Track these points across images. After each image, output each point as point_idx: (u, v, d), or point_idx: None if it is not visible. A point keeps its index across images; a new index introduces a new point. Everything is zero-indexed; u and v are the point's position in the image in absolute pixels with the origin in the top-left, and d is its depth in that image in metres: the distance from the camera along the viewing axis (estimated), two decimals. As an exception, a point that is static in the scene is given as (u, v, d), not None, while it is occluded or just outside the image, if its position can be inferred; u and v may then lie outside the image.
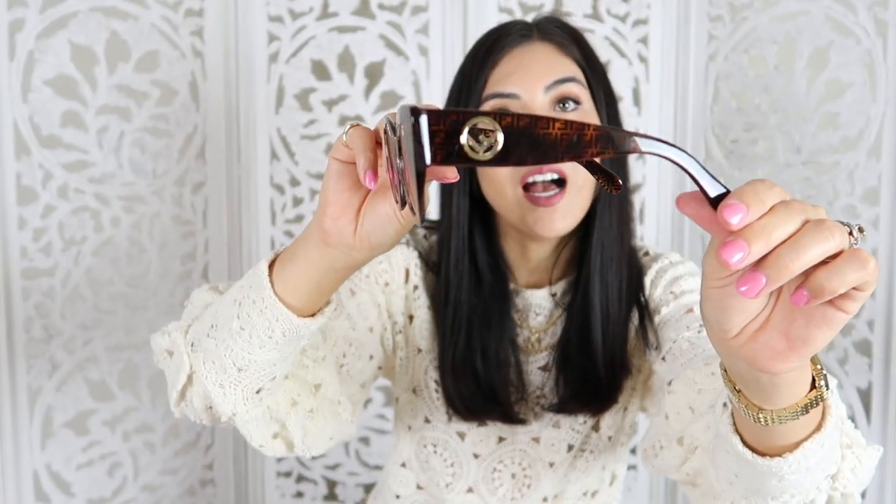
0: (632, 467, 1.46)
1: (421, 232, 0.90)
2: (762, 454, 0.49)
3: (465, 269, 0.83)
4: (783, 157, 1.30)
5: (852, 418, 1.25)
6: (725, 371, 0.47)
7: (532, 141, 0.38)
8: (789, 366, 0.39)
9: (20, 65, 1.26)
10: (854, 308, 0.37)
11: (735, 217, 0.35)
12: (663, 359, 0.77)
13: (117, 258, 1.34)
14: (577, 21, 1.37)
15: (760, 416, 0.45)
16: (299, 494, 1.45)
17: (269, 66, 1.34)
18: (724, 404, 0.53)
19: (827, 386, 0.45)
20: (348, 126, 0.51)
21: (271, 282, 0.58)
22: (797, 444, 0.48)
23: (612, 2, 1.37)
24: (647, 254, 0.89)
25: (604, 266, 0.82)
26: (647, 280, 0.86)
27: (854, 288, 0.36)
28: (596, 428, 0.87)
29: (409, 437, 0.92)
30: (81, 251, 1.32)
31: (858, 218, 1.23)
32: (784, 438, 0.47)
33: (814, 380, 0.45)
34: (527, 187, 0.77)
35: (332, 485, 1.45)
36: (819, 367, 0.45)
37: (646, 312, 0.83)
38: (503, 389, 0.83)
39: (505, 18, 1.35)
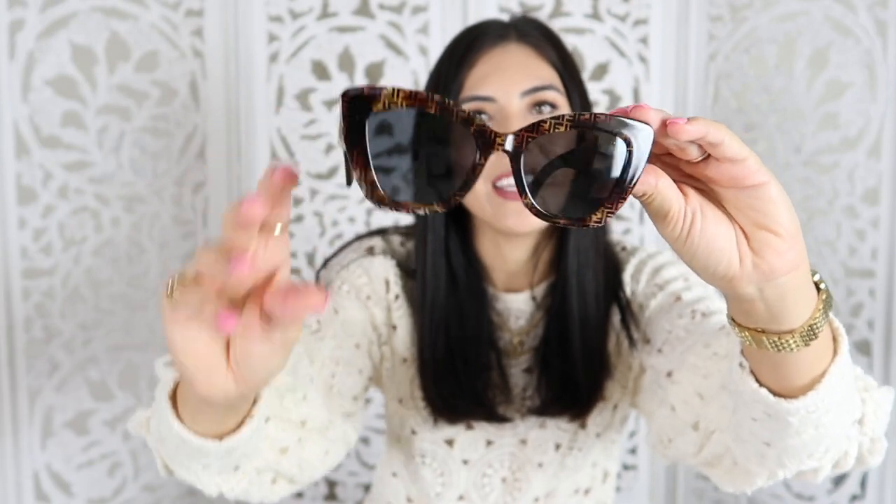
0: (631, 467, 1.46)
1: (397, 240, 0.90)
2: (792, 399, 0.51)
3: (443, 269, 0.83)
4: (783, 157, 1.30)
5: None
6: (738, 325, 0.48)
7: None
8: (792, 251, 0.43)
9: (20, 65, 1.26)
10: (741, 167, 0.41)
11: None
12: (659, 350, 0.77)
13: (117, 258, 1.34)
14: (577, 21, 1.37)
15: (789, 340, 0.46)
16: (299, 495, 1.45)
17: (269, 66, 1.34)
18: (741, 365, 0.53)
19: (828, 290, 0.48)
20: (170, 283, 0.41)
21: (178, 415, 0.54)
22: (822, 375, 0.50)
23: (612, 2, 1.37)
24: (623, 249, 0.89)
25: (580, 269, 0.81)
26: (627, 276, 0.85)
27: (711, 153, 0.41)
28: (583, 425, 0.87)
29: (398, 448, 0.92)
30: (81, 251, 1.32)
31: (858, 218, 1.23)
32: (809, 370, 0.49)
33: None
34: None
35: (332, 485, 1.45)
36: (816, 278, 0.48)
37: (627, 311, 0.83)
38: (484, 390, 0.83)
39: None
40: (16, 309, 1.30)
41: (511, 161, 0.41)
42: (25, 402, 1.32)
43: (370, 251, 0.87)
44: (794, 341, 0.46)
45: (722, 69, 1.36)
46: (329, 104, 1.36)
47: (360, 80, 1.34)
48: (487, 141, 0.41)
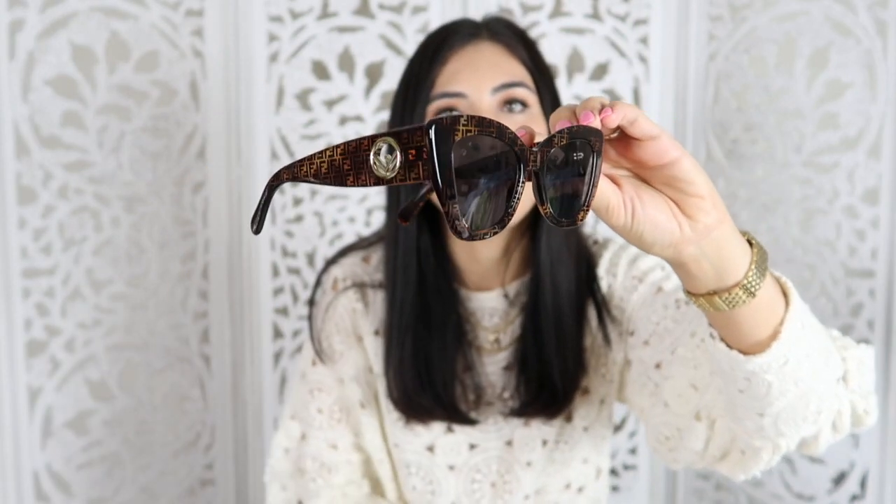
0: (631, 467, 1.46)
1: (357, 256, 0.92)
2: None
3: (413, 270, 0.84)
4: (783, 156, 1.30)
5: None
6: (693, 295, 0.53)
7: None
8: (715, 209, 0.49)
9: (20, 65, 1.26)
10: (658, 144, 0.47)
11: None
12: (646, 342, 0.77)
13: (117, 258, 1.34)
14: (577, 21, 1.37)
15: (738, 293, 0.51)
16: None
17: (269, 66, 1.34)
18: (711, 335, 0.56)
19: (760, 245, 0.53)
20: None
21: None
22: (781, 324, 0.54)
23: (612, 2, 1.37)
24: (595, 242, 0.90)
25: (554, 267, 0.82)
26: (601, 270, 0.86)
27: (628, 131, 0.47)
28: (569, 419, 0.87)
29: (388, 461, 0.93)
30: (81, 251, 1.32)
31: (858, 218, 1.23)
32: (765, 322, 0.54)
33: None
34: None
35: None
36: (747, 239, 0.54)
37: (603, 307, 0.84)
38: (445, 389, 0.84)
39: (505, 18, 1.35)
40: (16, 309, 1.30)
41: (535, 176, 0.44)
42: (25, 402, 1.32)
43: (335, 286, 0.91)
44: (742, 292, 0.51)
45: (722, 69, 1.36)
46: (329, 104, 1.36)
47: (360, 80, 1.34)
48: (525, 160, 0.43)
